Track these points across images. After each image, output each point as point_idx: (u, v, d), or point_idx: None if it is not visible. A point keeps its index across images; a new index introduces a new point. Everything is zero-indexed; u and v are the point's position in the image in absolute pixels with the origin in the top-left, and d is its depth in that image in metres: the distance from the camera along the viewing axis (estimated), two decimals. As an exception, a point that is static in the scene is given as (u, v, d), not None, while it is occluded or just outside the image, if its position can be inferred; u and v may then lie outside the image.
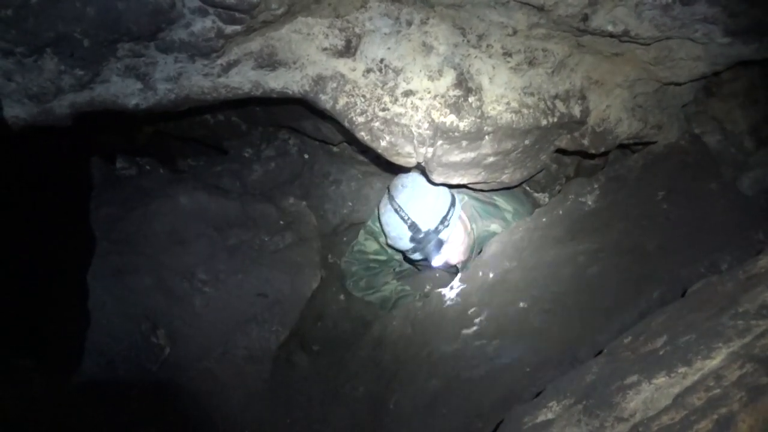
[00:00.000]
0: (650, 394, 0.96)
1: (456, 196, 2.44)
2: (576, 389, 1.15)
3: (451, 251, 2.38)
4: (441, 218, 2.31)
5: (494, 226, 2.47)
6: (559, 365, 1.62)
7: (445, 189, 2.37)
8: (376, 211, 2.55)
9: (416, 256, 2.41)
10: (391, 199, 2.38)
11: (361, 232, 2.75)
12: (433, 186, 2.26)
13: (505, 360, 1.75)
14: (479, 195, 2.51)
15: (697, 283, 1.34)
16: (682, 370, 0.95)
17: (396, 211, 2.33)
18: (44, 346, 1.81)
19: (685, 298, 1.28)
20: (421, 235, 2.30)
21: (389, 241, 2.46)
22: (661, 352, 1.04)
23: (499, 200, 2.52)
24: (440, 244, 2.31)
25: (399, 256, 2.74)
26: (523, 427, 1.16)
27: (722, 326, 0.99)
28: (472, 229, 2.48)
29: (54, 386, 1.66)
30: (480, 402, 1.72)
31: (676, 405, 0.88)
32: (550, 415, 1.14)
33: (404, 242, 2.36)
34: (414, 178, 2.39)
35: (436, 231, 2.30)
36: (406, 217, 2.30)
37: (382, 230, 2.48)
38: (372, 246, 2.69)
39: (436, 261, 2.37)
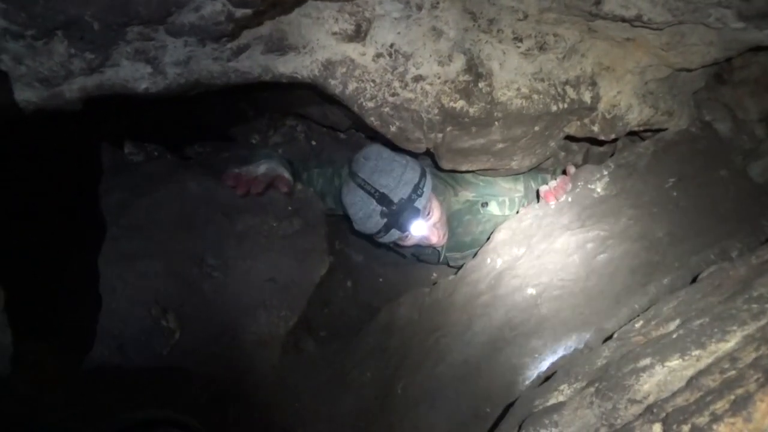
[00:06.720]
0: (664, 376, 0.96)
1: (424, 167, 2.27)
2: (587, 373, 1.15)
3: (429, 224, 2.22)
4: (413, 186, 2.12)
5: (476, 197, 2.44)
6: (568, 351, 1.63)
7: (412, 158, 2.20)
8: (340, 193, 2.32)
9: (387, 237, 2.23)
10: (354, 175, 2.17)
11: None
12: (398, 155, 2.15)
13: (514, 346, 1.76)
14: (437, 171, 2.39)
15: (709, 269, 1.34)
16: (696, 352, 0.95)
17: (361, 186, 2.13)
18: (56, 331, 1.83)
19: (697, 283, 1.28)
20: (394, 207, 2.10)
21: (357, 226, 2.25)
22: (674, 336, 1.04)
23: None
24: (416, 212, 2.13)
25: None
26: (534, 410, 1.16)
27: (736, 310, 0.99)
28: (440, 201, 2.35)
29: (66, 370, 1.67)
30: (488, 387, 1.73)
31: (690, 387, 0.88)
32: (561, 398, 1.14)
33: (374, 221, 2.16)
34: (377, 150, 2.20)
35: (410, 200, 2.11)
36: (373, 191, 2.11)
37: (348, 215, 2.25)
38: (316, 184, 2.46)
39: (416, 229, 2.17)
